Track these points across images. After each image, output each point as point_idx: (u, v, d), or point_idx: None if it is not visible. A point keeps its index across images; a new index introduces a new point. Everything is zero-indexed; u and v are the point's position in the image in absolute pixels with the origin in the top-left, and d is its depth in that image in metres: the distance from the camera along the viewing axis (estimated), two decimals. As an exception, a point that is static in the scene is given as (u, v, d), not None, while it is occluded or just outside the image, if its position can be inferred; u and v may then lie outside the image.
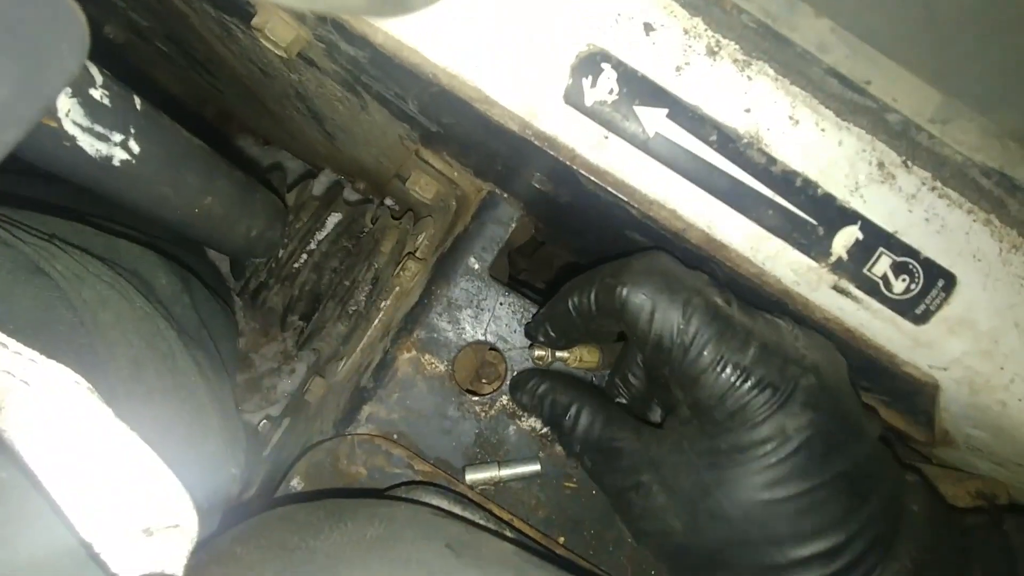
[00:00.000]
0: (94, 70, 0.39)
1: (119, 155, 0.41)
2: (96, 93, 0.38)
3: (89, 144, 0.39)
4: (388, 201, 0.78)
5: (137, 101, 0.42)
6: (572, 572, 0.46)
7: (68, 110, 0.37)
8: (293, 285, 0.70)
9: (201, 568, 0.36)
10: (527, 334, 0.60)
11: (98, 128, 0.39)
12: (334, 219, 0.72)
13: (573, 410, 0.53)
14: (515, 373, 0.60)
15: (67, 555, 0.26)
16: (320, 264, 0.71)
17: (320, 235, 0.71)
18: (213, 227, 0.54)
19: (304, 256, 0.70)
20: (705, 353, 0.44)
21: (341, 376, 0.72)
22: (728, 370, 0.44)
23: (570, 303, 0.50)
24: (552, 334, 0.55)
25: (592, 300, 0.49)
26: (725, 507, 0.44)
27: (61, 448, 0.34)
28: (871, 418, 0.49)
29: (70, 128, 0.38)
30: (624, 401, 0.56)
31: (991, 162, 0.41)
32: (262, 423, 0.89)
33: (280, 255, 0.70)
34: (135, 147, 0.41)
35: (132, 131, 0.41)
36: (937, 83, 0.38)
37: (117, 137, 0.40)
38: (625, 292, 0.46)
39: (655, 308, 0.45)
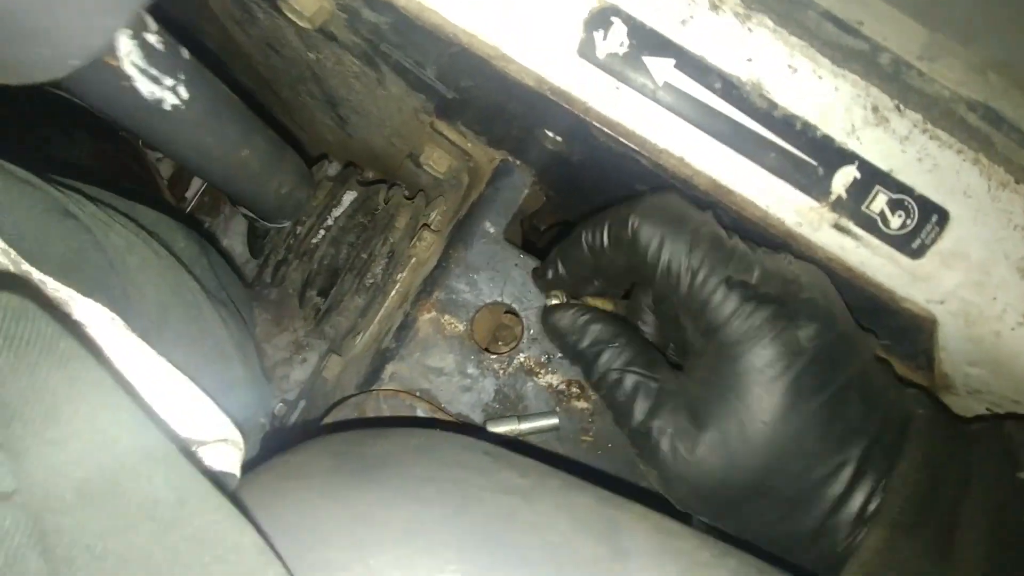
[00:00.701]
0: (148, 18, 0.42)
1: (170, 99, 0.43)
2: (151, 38, 0.41)
3: (145, 86, 0.41)
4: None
5: (184, 52, 0.45)
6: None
7: (128, 51, 0.40)
8: (312, 260, 0.73)
9: (255, 474, 0.38)
10: (535, 273, 0.60)
11: (153, 71, 0.41)
12: (350, 196, 0.74)
13: (620, 341, 0.52)
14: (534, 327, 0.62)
15: (159, 448, 0.28)
16: (337, 239, 0.73)
17: (337, 211, 0.73)
18: (250, 180, 0.57)
19: (322, 232, 0.73)
20: (713, 277, 0.46)
21: (359, 350, 0.75)
22: (736, 290, 0.46)
23: (583, 238, 0.52)
24: (562, 271, 0.56)
25: (604, 233, 0.51)
26: (761, 431, 0.45)
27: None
28: (867, 336, 0.52)
29: (129, 69, 0.40)
30: None
31: (976, 95, 0.44)
32: (278, 406, 0.91)
33: (299, 231, 0.72)
34: (184, 93, 0.44)
35: (181, 77, 0.44)
36: (922, 18, 0.41)
37: (168, 82, 0.43)
38: (636, 223, 0.48)
39: (664, 238, 0.47)
